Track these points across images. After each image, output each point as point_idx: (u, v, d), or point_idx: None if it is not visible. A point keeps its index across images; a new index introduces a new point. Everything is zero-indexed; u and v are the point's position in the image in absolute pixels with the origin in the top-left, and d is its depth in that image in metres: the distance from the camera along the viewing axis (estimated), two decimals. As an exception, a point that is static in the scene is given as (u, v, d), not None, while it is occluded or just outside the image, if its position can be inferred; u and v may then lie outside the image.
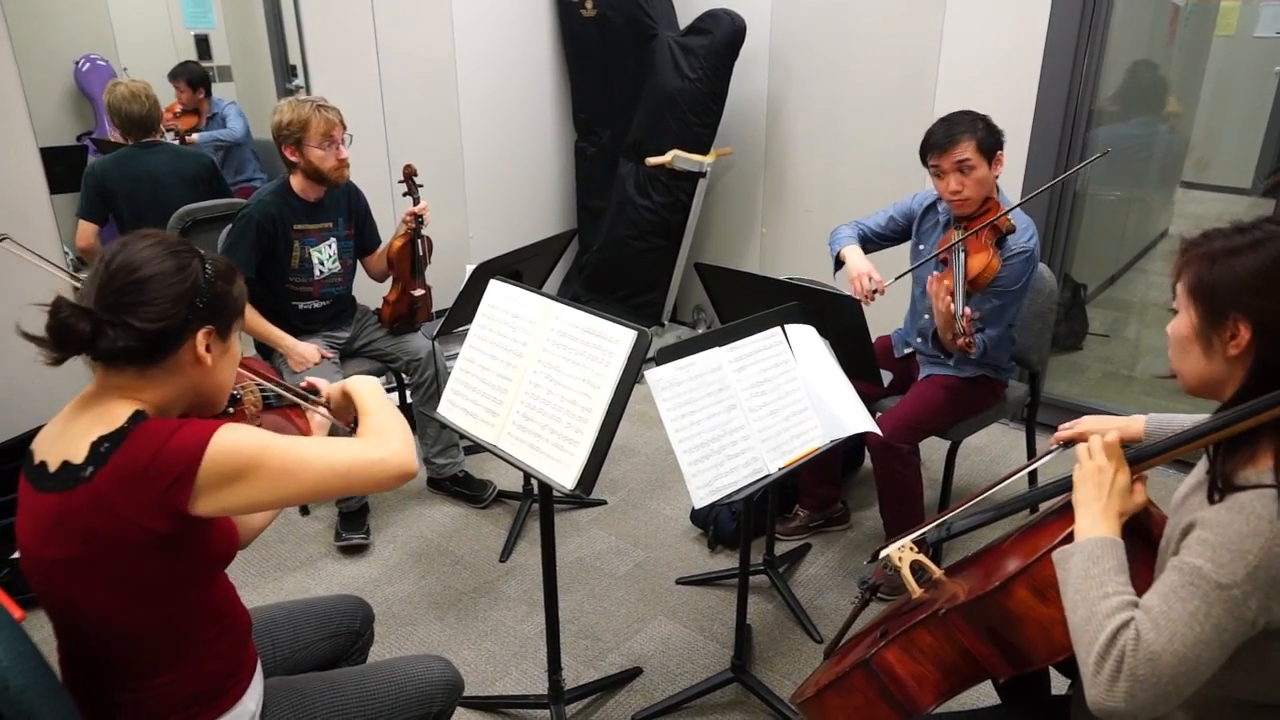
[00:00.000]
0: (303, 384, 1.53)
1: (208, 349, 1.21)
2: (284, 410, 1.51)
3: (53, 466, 1.14)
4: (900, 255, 2.65)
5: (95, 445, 1.12)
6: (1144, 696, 1.02)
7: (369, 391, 1.42)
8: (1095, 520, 1.19)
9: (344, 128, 2.69)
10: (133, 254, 1.17)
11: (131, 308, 1.14)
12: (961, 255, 2.25)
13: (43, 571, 1.17)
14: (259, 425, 1.46)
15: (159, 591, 1.18)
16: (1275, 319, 1.08)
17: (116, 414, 1.14)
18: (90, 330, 1.12)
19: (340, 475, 1.18)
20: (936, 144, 2.32)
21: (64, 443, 1.15)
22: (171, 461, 1.10)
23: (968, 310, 2.14)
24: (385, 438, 1.26)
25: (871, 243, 2.65)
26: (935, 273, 2.28)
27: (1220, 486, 1.08)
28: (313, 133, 2.61)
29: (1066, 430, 1.55)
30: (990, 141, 2.30)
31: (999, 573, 1.28)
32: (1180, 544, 1.09)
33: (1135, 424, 1.52)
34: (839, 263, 2.58)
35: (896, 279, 2.43)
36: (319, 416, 1.52)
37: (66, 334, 1.11)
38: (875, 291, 2.41)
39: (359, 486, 1.21)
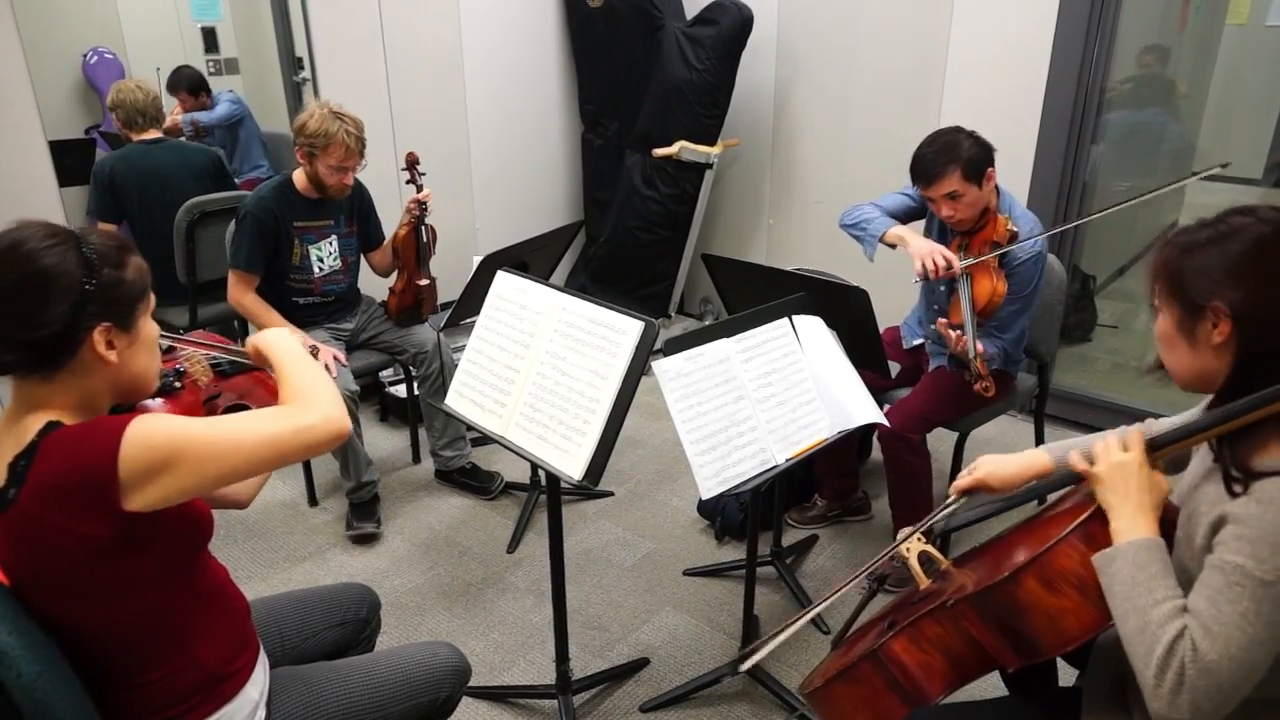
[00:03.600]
0: None
1: (109, 345, 1.13)
2: (248, 374, 1.44)
3: None
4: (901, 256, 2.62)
5: (12, 465, 1.08)
6: (1208, 705, 1.02)
7: (281, 347, 1.31)
8: (1131, 520, 1.16)
9: (361, 157, 2.66)
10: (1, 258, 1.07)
11: (6, 320, 1.07)
12: (968, 284, 2.25)
13: (15, 587, 1.15)
14: (220, 395, 1.41)
15: (130, 590, 1.15)
16: (1250, 307, 1.10)
17: (28, 429, 1.09)
18: None
19: (272, 448, 1.13)
20: (921, 177, 2.28)
21: None
22: (88, 467, 1.05)
23: (980, 348, 2.14)
24: (310, 401, 1.19)
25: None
26: (942, 319, 2.22)
27: (1238, 476, 1.08)
28: (330, 154, 2.59)
29: (966, 479, 1.53)
30: (975, 165, 2.23)
31: (1008, 563, 1.27)
32: (1214, 540, 1.08)
33: (1039, 459, 1.51)
34: (874, 245, 2.43)
35: (965, 267, 2.25)
36: None
37: None
38: (949, 270, 2.23)
39: (293, 456, 1.16)
